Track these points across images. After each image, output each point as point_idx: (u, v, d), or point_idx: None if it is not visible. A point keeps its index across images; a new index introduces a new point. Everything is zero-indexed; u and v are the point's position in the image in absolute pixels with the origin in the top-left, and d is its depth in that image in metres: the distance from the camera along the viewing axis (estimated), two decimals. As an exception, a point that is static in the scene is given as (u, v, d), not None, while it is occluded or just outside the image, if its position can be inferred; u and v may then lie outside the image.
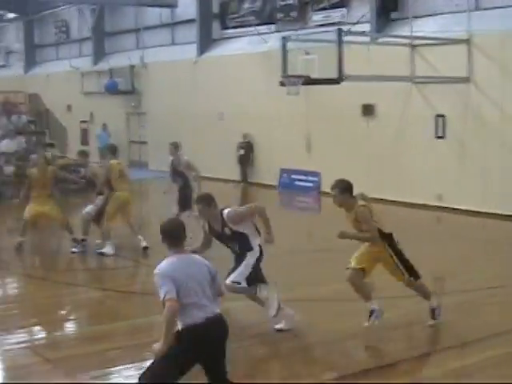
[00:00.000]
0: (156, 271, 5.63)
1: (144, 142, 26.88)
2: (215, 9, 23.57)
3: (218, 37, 23.58)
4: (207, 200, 8.18)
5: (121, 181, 12.58)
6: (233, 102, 21.97)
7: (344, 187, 8.14)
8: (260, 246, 8.29)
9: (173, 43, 25.72)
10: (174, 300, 5.50)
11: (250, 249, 8.24)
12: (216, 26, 23.65)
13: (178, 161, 13.29)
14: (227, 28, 23.15)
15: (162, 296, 5.53)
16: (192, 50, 23.91)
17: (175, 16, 25.50)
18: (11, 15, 36.12)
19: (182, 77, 24.06)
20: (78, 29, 31.35)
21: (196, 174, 13.22)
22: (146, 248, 12.38)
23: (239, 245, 8.23)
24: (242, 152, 21.69)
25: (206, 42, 23.67)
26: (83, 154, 14.09)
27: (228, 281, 8.10)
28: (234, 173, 21.82)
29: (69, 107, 30.72)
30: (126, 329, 8.51)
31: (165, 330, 5.49)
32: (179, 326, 5.63)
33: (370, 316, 8.06)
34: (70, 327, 9.21)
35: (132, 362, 7.45)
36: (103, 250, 12.30)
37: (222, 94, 22.31)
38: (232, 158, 21.83)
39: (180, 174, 13.22)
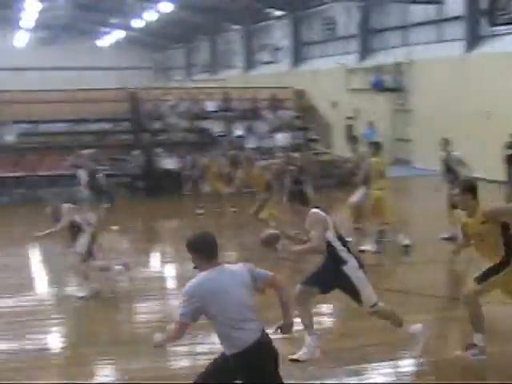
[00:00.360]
0: (185, 288, 5.75)
1: (409, 140, 28.36)
2: (483, 5, 24.44)
3: (486, 34, 24.43)
4: (289, 194, 8.05)
5: (378, 179, 13.33)
6: (500, 101, 22.70)
7: (465, 187, 7.73)
8: (355, 258, 7.91)
9: (439, 40, 26.90)
10: (185, 325, 5.74)
11: (342, 262, 7.78)
12: (484, 22, 24.46)
13: (449, 157, 14.21)
14: (496, 25, 23.93)
15: (179, 314, 5.73)
16: (459, 47, 24.99)
17: (442, 12, 26.69)
18: (279, 13, 39.19)
19: (448, 74, 25.19)
20: (345, 26, 33.55)
21: (467, 170, 13.83)
22: (407, 246, 13.14)
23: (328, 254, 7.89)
24: (509, 152, 22.38)
25: (473, 39, 24.62)
26: (353, 140, 15.36)
27: (367, 310, 8.00)
28: (501, 173, 22.51)
29: (334, 104, 32.84)
30: (384, 325, 8.59)
31: (165, 336, 5.97)
32: (231, 351, 5.71)
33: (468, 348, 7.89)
34: (327, 321, 10.05)
35: (387, 360, 8.14)
36: (365, 247, 13.08)
37: (489, 93, 23.12)
38: (498, 157, 22.54)
39: (451, 171, 14.05)
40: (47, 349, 9.32)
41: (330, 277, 7.85)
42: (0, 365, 8.50)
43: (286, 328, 6.14)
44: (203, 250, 5.81)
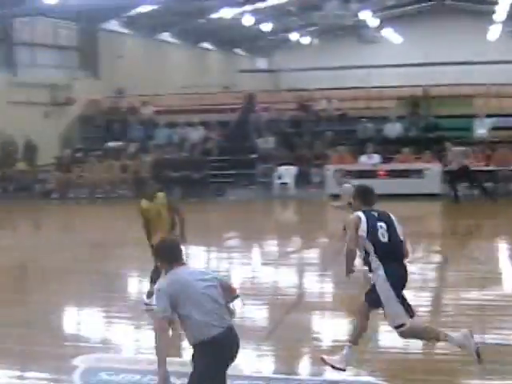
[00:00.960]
0: (155, 287, 6.37)
1: None
2: None
3: None
4: (354, 192, 8.27)
5: None
6: None
7: None
8: (391, 270, 7.66)
9: None
10: (164, 321, 6.14)
11: (372, 269, 7.76)
12: None
13: None
14: None
15: (156, 314, 6.26)
16: None
17: None
18: None
19: None
20: None
21: None
22: None
23: (362, 256, 7.90)
24: None
25: None
26: None
27: (395, 330, 7.81)
28: None
29: None
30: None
31: (157, 355, 6.15)
32: (195, 342, 6.17)
33: None
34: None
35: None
36: None
37: None
38: None
39: None
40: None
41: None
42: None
43: None
44: (165, 256, 6.46)
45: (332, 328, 10.40)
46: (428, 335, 7.96)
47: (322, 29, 52.03)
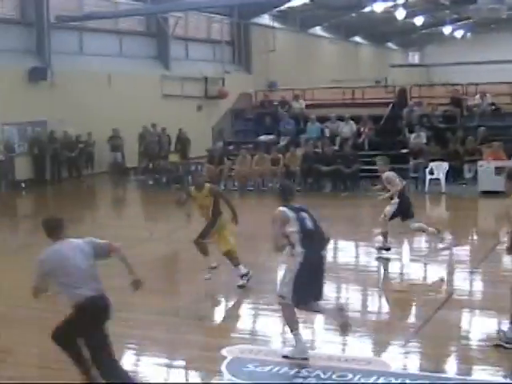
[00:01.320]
0: (38, 258, 7.47)
1: None
2: None
3: None
4: (277, 189, 9.28)
5: None
6: None
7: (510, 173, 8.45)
8: (306, 254, 8.34)
9: None
10: (35, 288, 7.49)
11: (293, 254, 8.44)
12: None
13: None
14: None
15: (32, 281, 7.52)
16: None
17: None
18: None
19: None
20: None
21: None
22: None
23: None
24: None
25: None
26: None
27: (277, 292, 8.84)
28: None
29: None
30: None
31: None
32: (69, 303, 7.30)
33: None
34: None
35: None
36: None
37: None
38: None
39: None
40: None
41: None
42: None
43: (135, 284, 7.68)
44: (45, 229, 7.60)
45: (481, 326, 10.26)
46: (292, 325, 8.66)
47: (475, 22, 50.77)
